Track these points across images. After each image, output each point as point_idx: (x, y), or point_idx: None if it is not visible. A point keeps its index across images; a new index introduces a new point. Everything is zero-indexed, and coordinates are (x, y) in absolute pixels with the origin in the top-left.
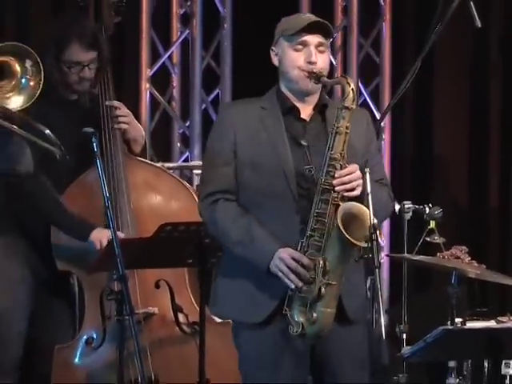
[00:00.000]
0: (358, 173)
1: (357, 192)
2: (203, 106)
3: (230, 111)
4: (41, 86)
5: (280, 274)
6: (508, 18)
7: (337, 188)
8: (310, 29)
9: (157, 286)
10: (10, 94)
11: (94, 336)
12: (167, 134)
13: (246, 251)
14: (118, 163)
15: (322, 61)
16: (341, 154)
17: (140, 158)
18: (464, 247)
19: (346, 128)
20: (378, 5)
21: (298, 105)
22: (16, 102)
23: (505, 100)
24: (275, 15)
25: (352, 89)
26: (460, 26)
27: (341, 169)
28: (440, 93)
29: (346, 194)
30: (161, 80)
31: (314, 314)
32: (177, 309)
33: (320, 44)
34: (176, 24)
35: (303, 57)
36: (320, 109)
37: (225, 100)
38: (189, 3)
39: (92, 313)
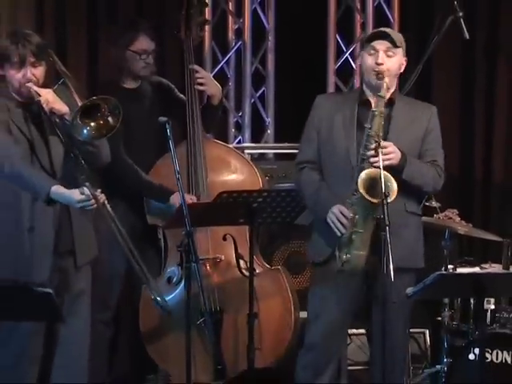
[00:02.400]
0: (390, 149)
1: (389, 162)
2: (252, 101)
3: (318, 101)
4: (119, 123)
5: (331, 223)
6: (490, 33)
7: (371, 160)
8: (378, 36)
9: (224, 238)
10: (92, 123)
11: (174, 276)
12: (225, 122)
13: (314, 206)
14: (199, 142)
15: (388, 64)
16: (376, 132)
17: (216, 140)
18: (455, 210)
19: (381, 113)
20: (388, 21)
21: (371, 98)
22: (93, 129)
23: (487, 92)
24: (306, 29)
25: (385, 82)
26: (452, 38)
27: (376, 144)
28: (437, 87)
29: (372, 161)
30: (220, 80)
31: (348, 255)
32: (239, 257)
33: (387, 49)
34: (231, 36)
35: (373, 59)
36: (389, 101)
37: (269, 96)
38: (241, 20)
39: (172, 258)
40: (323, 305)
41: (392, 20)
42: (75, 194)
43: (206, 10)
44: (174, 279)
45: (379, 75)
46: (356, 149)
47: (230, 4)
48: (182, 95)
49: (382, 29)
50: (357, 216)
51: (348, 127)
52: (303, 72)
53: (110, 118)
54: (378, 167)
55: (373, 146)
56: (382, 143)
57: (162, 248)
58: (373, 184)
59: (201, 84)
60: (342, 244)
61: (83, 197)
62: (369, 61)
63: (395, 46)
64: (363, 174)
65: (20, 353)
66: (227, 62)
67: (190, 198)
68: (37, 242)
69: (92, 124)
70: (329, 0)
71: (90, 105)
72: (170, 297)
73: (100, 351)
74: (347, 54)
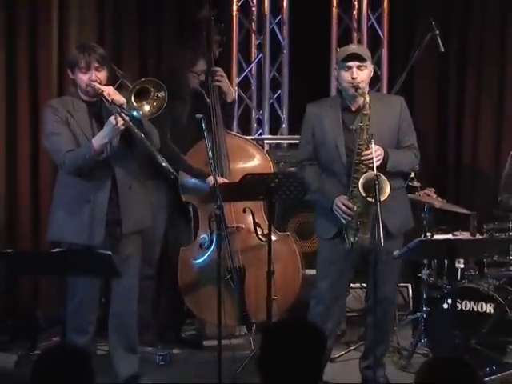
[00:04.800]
0: (378, 152)
1: (376, 163)
2: (270, 101)
3: (310, 109)
4: (164, 105)
5: (336, 212)
6: (460, 47)
7: (364, 162)
8: (350, 57)
9: (244, 211)
10: (146, 104)
11: (205, 241)
12: (248, 118)
13: (319, 197)
14: (222, 135)
15: (360, 76)
16: (364, 141)
17: (233, 133)
18: (432, 188)
19: (367, 126)
20: (379, 37)
21: (350, 104)
22: (147, 109)
23: (458, 95)
24: (314, 44)
25: (367, 102)
26: (430, 51)
27: (365, 150)
28: (418, 91)
29: (368, 164)
30: (244, 84)
31: (356, 238)
32: (256, 225)
33: (358, 66)
34: (254, 49)
35: (348, 75)
36: (364, 105)
37: (284, 97)
38: (261, 37)
39: (203, 228)
40: (330, 270)
41: (382, 37)
42: (110, 123)
43: (234, 28)
44: (205, 244)
45: (356, 88)
46: (345, 147)
47: (253, 24)
48: (208, 99)
49: (352, 49)
50: (359, 208)
51: (336, 129)
52: (311, 78)
53: (158, 95)
54: (372, 167)
55: (364, 153)
56: (371, 148)
57: (192, 220)
58: (369, 184)
59: (218, 81)
60: (350, 229)
61: (113, 120)
62: (345, 76)
63: (364, 60)
64: (362, 179)
65: (82, 303)
66: (250, 71)
67: (222, 180)
68: (93, 212)
69: (145, 103)
70: (331, 21)
71: (139, 88)
72: (202, 259)
73: (146, 300)
74: None
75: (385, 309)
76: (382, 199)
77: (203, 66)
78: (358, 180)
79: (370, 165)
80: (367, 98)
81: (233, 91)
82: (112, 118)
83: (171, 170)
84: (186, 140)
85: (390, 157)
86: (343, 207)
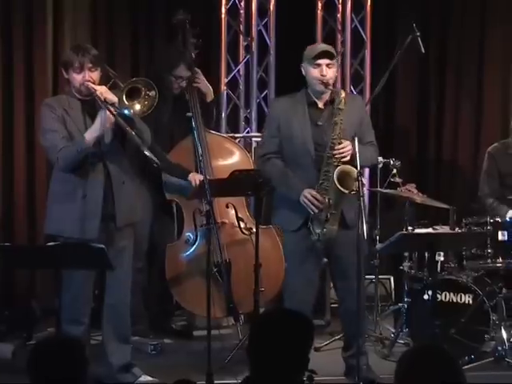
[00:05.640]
0: (349, 147)
1: (347, 158)
2: (258, 100)
3: (276, 104)
4: (155, 104)
5: (305, 204)
6: (440, 49)
7: (336, 156)
8: (321, 55)
9: (227, 206)
10: (137, 103)
11: (190, 237)
12: (236, 117)
13: (285, 190)
14: (202, 134)
15: (329, 74)
16: (337, 135)
17: (214, 132)
18: (413, 184)
19: (341, 120)
20: (362, 39)
21: (317, 100)
22: (138, 108)
23: (438, 94)
24: (299, 45)
25: (343, 97)
26: (412, 52)
27: (338, 144)
28: (400, 90)
29: (341, 158)
30: (233, 84)
31: (325, 229)
32: (239, 219)
33: (327, 64)
34: (242, 51)
35: (318, 72)
36: (330, 101)
37: (271, 97)
38: (249, 38)
39: (188, 224)
40: (298, 261)
41: (365, 38)
42: (100, 116)
43: (223, 30)
44: (190, 240)
45: (326, 85)
46: (313, 142)
47: (241, 26)
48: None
49: (323, 47)
50: (331, 200)
51: (303, 124)
52: (297, 78)
53: (149, 94)
54: (344, 161)
55: (339, 146)
56: (344, 143)
57: (175, 218)
58: (344, 177)
59: (197, 82)
60: (317, 220)
61: (103, 113)
62: (314, 73)
63: (333, 58)
64: (337, 171)
65: (77, 294)
66: (238, 71)
67: (200, 177)
68: (88, 207)
69: (136, 102)
70: (316, 23)
71: (131, 87)
72: (188, 253)
73: (136, 292)
74: None
75: (355, 297)
76: (354, 191)
77: (183, 72)
78: (329, 173)
79: (344, 159)
80: (343, 94)
81: (211, 91)
82: (102, 112)
83: (153, 159)
84: (167, 140)
85: (358, 153)
86: (312, 199)
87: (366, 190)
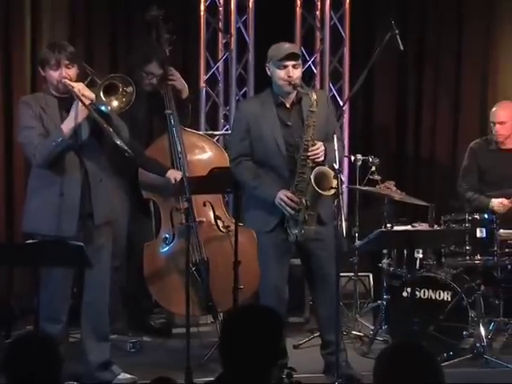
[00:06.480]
0: (322, 148)
1: (321, 159)
2: (237, 98)
3: (243, 106)
4: (132, 100)
5: (280, 206)
6: (418, 46)
7: (310, 158)
8: (288, 57)
9: (204, 204)
10: (114, 100)
11: (168, 236)
12: (215, 114)
13: (259, 192)
14: (179, 131)
15: (296, 74)
16: (311, 137)
17: (189, 129)
18: (392, 182)
19: (313, 122)
20: (341, 37)
21: (284, 100)
22: (116, 104)
23: (416, 91)
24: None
25: (315, 99)
26: (390, 49)
27: (312, 146)
28: (379, 87)
29: (315, 160)
30: (212, 82)
31: (303, 230)
32: (216, 218)
33: (294, 65)
34: (221, 48)
35: (285, 73)
36: (297, 101)
37: (250, 94)
38: (228, 36)
39: (165, 222)
40: (273, 261)
41: (344, 36)
42: (74, 107)
43: (202, 27)
44: (168, 239)
45: (294, 86)
46: (283, 141)
47: (220, 23)
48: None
49: (289, 48)
50: (308, 202)
51: (273, 125)
52: None
53: (127, 90)
54: (319, 163)
55: (313, 148)
56: (317, 144)
57: (153, 217)
58: (320, 180)
59: (172, 80)
60: (294, 221)
61: (77, 103)
62: (281, 74)
63: (299, 59)
64: (314, 173)
65: (55, 292)
66: (217, 69)
67: (179, 174)
68: (66, 205)
69: (113, 98)
70: (295, 21)
71: (108, 84)
72: (165, 250)
73: (114, 290)
74: (310, 63)
75: (331, 293)
76: (333, 191)
77: (155, 69)
78: (304, 175)
79: (318, 160)
80: (314, 96)
81: (186, 88)
82: (75, 103)
83: (125, 148)
84: (144, 137)
85: (327, 152)
86: (288, 201)
87: (344, 188)
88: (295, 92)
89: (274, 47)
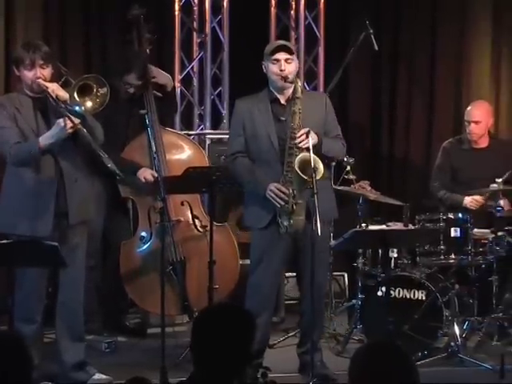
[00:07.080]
0: (306, 130)
1: (307, 145)
2: (212, 97)
3: (239, 104)
4: (106, 100)
5: (270, 197)
6: (392, 45)
7: (298, 144)
8: (278, 49)
9: (182, 204)
10: (88, 100)
11: (145, 235)
12: (190, 114)
13: (253, 187)
14: (158, 131)
15: (288, 69)
16: (298, 125)
17: (169, 129)
18: (367, 181)
19: (299, 109)
20: (316, 36)
21: (279, 96)
22: (90, 105)
23: (391, 90)
24: (253, 42)
25: (300, 86)
26: (365, 49)
27: (304, 131)
28: (353, 87)
29: (301, 145)
30: (186, 81)
31: (291, 221)
32: (194, 217)
33: (286, 59)
34: (195, 47)
35: (277, 67)
36: (292, 98)
37: (225, 94)
38: (203, 35)
39: (143, 221)
40: (265, 258)
41: (319, 35)
42: (58, 125)
43: (176, 27)
44: (145, 238)
45: (286, 79)
46: (277, 137)
47: (194, 23)
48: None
49: (279, 42)
50: (294, 190)
51: (266, 120)
52: (251, 75)
53: (101, 91)
54: (307, 148)
55: (299, 134)
56: (305, 130)
57: (131, 216)
58: (305, 165)
59: (153, 77)
60: (284, 213)
61: (62, 122)
62: (274, 69)
63: (291, 53)
64: (298, 158)
65: (30, 292)
66: (192, 68)
67: (151, 174)
68: (41, 205)
69: (87, 99)
70: (270, 20)
71: (82, 84)
72: (143, 249)
73: (89, 290)
74: None
75: (318, 294)
76: (318, 177)
77: (133, 80)
78: (292, 163)
79: (304, 146)
80: (299, 83)
81: (170, 79)
82: (61, 121)
83: (117, 172)
84: (123, 137)
85: (324, 140)
86: (277, 191)
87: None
88: (291, 88)
89: (269, 44)
